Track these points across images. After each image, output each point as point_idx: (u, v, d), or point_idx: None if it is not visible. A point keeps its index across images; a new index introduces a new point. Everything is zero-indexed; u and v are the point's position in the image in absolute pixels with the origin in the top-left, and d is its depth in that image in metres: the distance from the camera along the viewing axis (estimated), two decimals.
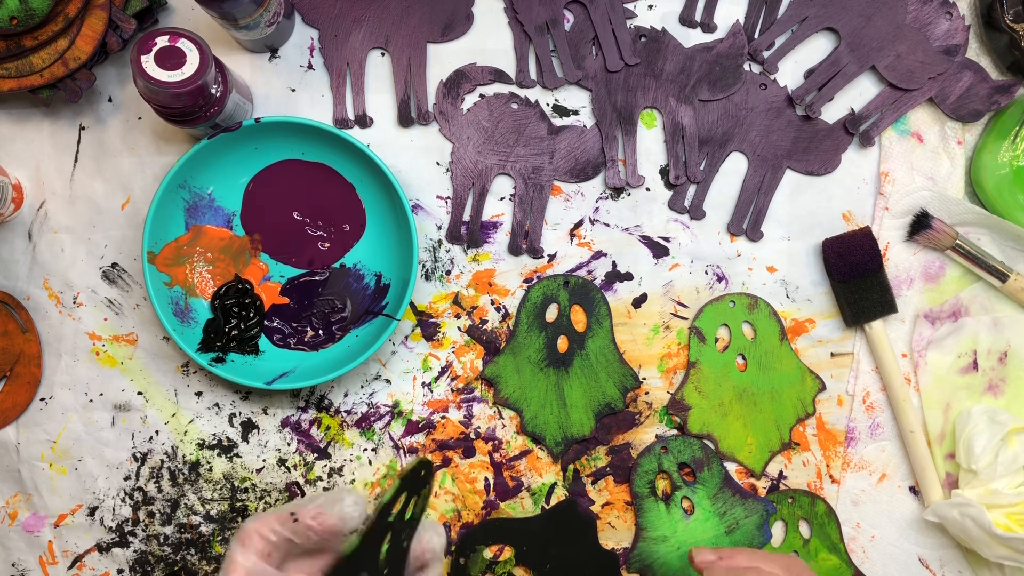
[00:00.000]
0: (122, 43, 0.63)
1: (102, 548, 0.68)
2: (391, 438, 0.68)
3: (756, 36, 0.69)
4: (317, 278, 0.67)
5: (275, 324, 0.67)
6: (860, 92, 0.69)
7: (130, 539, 0.68)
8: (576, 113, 0.69)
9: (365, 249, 0.67)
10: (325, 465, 0.68)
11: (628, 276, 0.69)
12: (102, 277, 0.68)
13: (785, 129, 0.69)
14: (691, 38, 0.69)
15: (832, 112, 0.69)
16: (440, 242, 0.68)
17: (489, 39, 0.68)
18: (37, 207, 0.67)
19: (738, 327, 0.68)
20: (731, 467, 0.69)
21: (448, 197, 0.68)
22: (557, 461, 0.68)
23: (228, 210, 0.67)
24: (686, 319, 0.69)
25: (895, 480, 0.69)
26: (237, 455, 0.68)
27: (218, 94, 0.60)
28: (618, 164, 0.68)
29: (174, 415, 0.68)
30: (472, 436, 0.68)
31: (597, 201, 0.69)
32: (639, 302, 0.69)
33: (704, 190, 0.69)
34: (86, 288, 0.67)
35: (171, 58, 0.55)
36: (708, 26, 0.69)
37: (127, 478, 0.68)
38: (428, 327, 0.68)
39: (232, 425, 0.68)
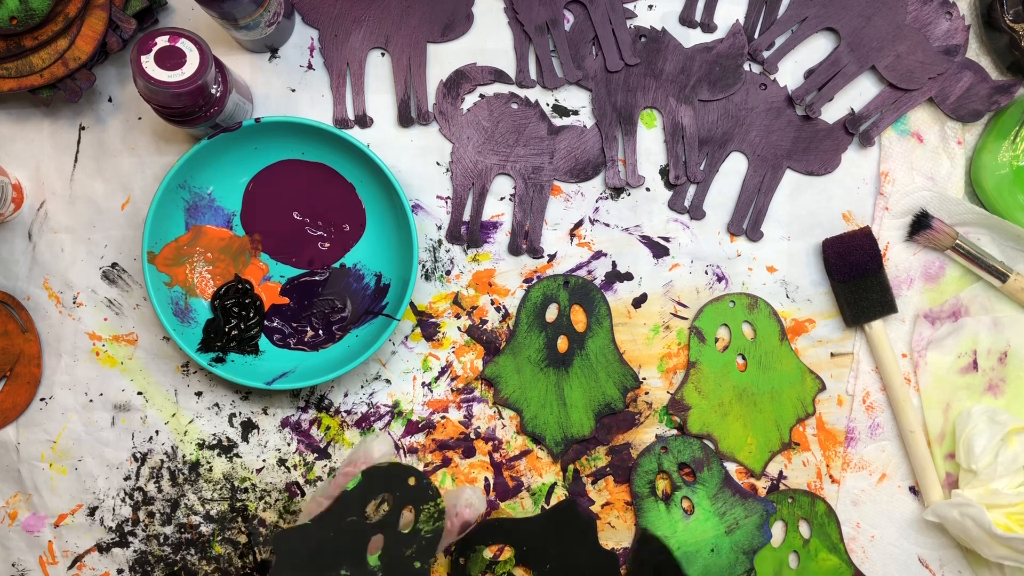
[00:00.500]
0: (122, 43, 0.63)
1: (102, 548, 0.68)
2: (391, 438, 0.68)
3: (756, 36, 0.69)
4: (317, 278, 0.67)
5: (275, 324, 0.67)
6: (860, 92, 0.69)
7: (130, 539, 0.68)
8: (576, 113, 0.69)
9: (365, 249, 0.67)
10: (325, 465, 0.68)
11: (628, 276, 0.69)
12: (102, 277, 0.68)
13: (785, 129, 0.69)
14: (691, 38, 0.69)
15: (832, 112, 0.69)
16: (440, 242, 0.68)
17: (489, 39, 0.68)
18: (37, 207, 0.67)
19: (738, 327, 0.68)
20: (731, 467, 0.69)
21: (448, 197, 0.68)
22: (557, 461, 0.68)
23: (228, 210, 0.67)
24: (686, 319, 0.69)
25: (895, 480, 0.69)
26: (237, 455, 0.68)
27: (218, 94, 0.60)
28: (618, 164, 0.68)
29: (174, 415, 0.68)
30: (472, 436, 0.68)
31: (597, 201, 0.69)
32: (639, 302, 0.69)
33: (704, 190, 0.69)
34: (86, 288, 0.67)
35: (171, 58, 0.55)
36: (708, 26, 0.69)
37: (127, 478, 0.68)
38: (428, 327, 0.68)
39: (232, 425, 0.68)
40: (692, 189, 0.69)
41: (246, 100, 0.65)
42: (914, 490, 0.69)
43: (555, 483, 0.68)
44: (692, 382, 0.68)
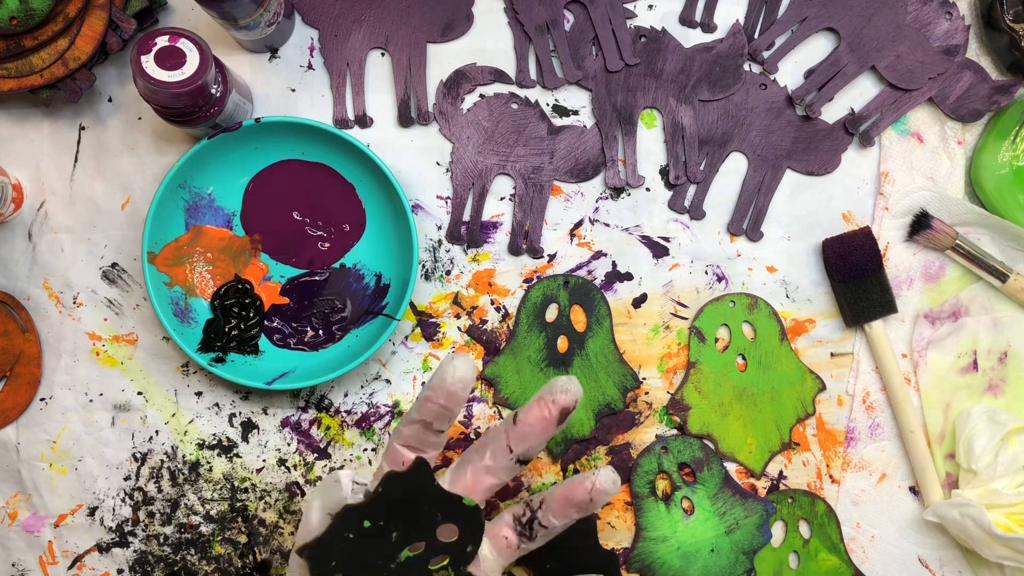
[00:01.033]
0: (122, 43, 0.63)
1: (102, 548, 0.68)
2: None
3: (756, 36, 0.69)
4: (317, 278, 0.68)
5: (275, 324, 0.67)
6: (860, 92, 0.69)
7: (130, 539, 0.68)
8: (576, 113, 0.69)
9: (365, 249, 0.67)
10: (325, 465, 0.68)
11: (628, 276, 0.69)
12: (102, 277, 0.68)
13: (785, 129, 0.69)
14: (691, 38, 0.69)
15: (832, 112, 0.69)
16: (440, 242, 0.68)
17: (489, 39, 0.68)
18: (37, 207, 0.67)
19: (738, 327, 0.68)
20: (731, 467, 0.69)
21: (448, 197, 0.68)
22: (557, 461, 0.68)
23: (228, 210, 0.67)
24: (686, 319, 0.69)
25: (895, 480, 0.69)
26: (237, 455, 0.68)
27: (218, 94, 0.60)
28: (618, 164, 0.68)
29: (174, 415, 0.68)
30: (472, 436, 0.68)
31: (597, 201, 0.69)
32: (639, 302, 0.69)
33: (704, 190, 0.69)
34: (86, 288, 0.67)
35: (171, 58, 0.55)
36: (708, 26, 0.69)
37: (127, 478, 0.68)
38: (428, 327, 0.68)
39: (232, 425, 0.68)
40: (692, 189, 0.69)
41: (246, 100, 0.65)
42: (914, 490, 0.69)
43: (555, 483, 0.68)
44: (692, 382, 0.68)
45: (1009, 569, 0.67)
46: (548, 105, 0.69)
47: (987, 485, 0.64)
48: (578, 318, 0.68)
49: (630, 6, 0.68)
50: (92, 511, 0.68)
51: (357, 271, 0.67)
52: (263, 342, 0.67)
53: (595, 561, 0.67)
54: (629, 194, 0.69)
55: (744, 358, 0.69)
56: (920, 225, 0.68)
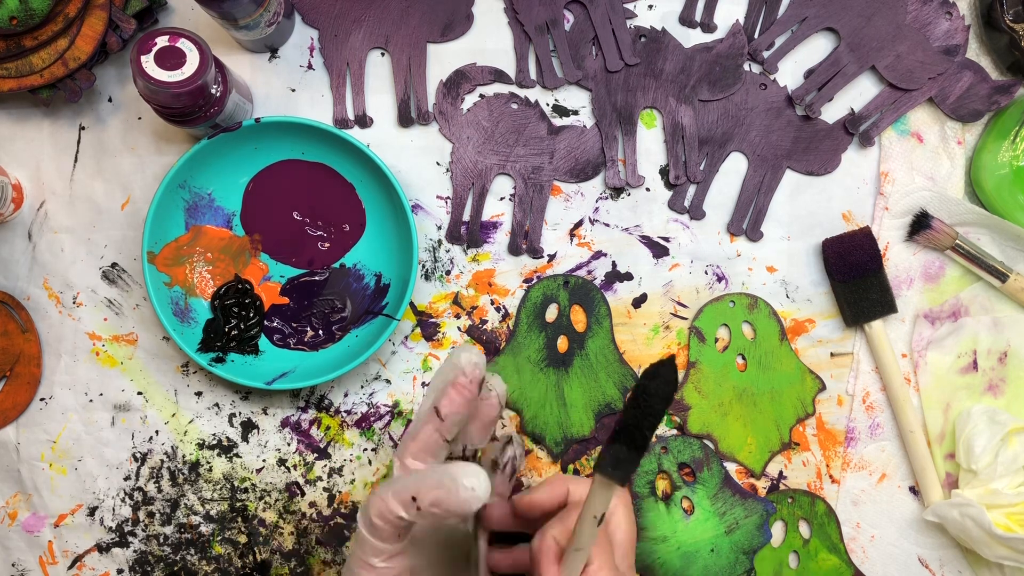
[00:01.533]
0: (122, 43, 0.63)
1: (102, 548, 0.68)
2: (391, 438, 0.68)
3: (756, 36, 0.69)
4: (317, 278, 0.68)
5: (275, 324, 0.67)
6: (860, 92, 0.69)
7: (130, 539, 0.68)
8: (576, 113, 0.69)
9: (365, 249, 0.67)
10: (325, 465, 0.68)
11: (628, 276, 0.69)
12: (102, 277, 0.68)
13: (785, 129, 0.69)
14: (691, 38, 0.69)
15: (832, 112, 0.69)
16: (440, 242, 0.68)
17: (489, 39, 0.68)
18: (37, 207, 0.67)
19: (738, 327, 0.68)
20: (731, 467, 0.69)
21: (448, 197, 0.68)
22: (557, 461, 0.68)
23: (228, 210, 0.67)
24: (686, 319, 0.69)
25: (895, 480, 0.69)
26: (237, 455, 0.68)
27: (218, 94, 0.60)
28: (618, 164, 0.68)
29: (174, 415, 0.68)
30: None
31: (597, 201, 0.69)
32: (639, 302, 0.69)
33: (704, 190, 0.69)
34: (86, 288, 0.67)
35: (171, 58, 0.55)
36: (708, 26, 0.69)
37: (127, 478, 0.68)
38: (428, 327, 0.68)
39: (232, 425, 0.68)
40: (692, 189, 0.69)
41: (246, 100, 0.65)
42: (914, 490, 0.69)
43: None
44: (692, 382, 0.68)
45: (1009, 569, 0.67)
46: (548, 105, 0.69)
47: (987, 485, 0.64)
48: (578, 318, 0.68)
49: (630, 6, 0.68)
50: (92, 511, 0.68)
51: (357, 271, 0.67)
52: (263, 342, 0.67)
53: None
54: (629, 194, 0.69)
55: (744, 358, 0.69)
56: (920, 225, 0.68)
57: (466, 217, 0.68)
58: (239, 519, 0.68)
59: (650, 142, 0.69)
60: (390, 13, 0.67)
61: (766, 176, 0.69)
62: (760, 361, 0.68)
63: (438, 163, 0.68)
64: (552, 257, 0.69)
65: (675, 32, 0.68)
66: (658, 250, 0.69)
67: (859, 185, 0.69)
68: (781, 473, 0.69)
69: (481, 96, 0.68)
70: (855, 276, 0.67)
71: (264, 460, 0.68)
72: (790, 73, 0.69)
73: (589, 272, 0.69)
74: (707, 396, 0.68)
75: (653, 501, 0.67)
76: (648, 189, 0.69)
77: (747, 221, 0.69)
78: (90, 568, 0.68)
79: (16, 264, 0.67)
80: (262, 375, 0.65)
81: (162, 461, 0.68)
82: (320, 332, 0.67)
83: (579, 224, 0.69)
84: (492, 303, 0.68)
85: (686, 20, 0.69)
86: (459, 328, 0.68)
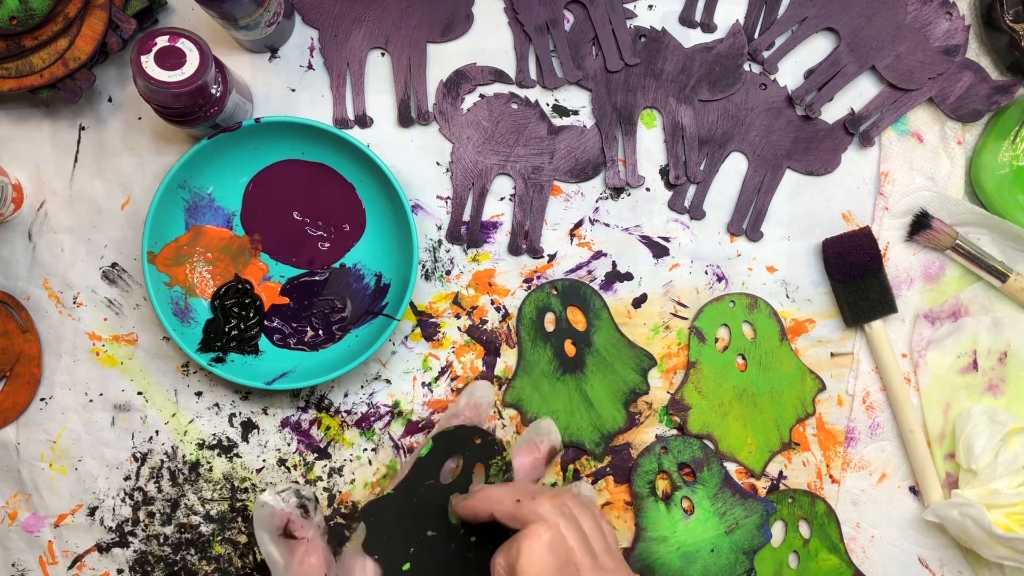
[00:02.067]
0: (122, 43, 0.63)
1: (102, 548, 0.68)
2: (391, 438, 0.68)
3: (756, 36, 0.69)
4: (317, 278, 0.67)
5: (275, 324, 0.67)
6: (860, 92, 0.69)
7: (130, 539, 0.68)
8: (576, 113, 0.69)
9: (365, 249, 0.67)
10: (325, 465, 0.68)
11: (628, 276, 0.69)
12: (102, 277, 0.68)
13: (785, 129, 0.69)
14: (691, 38, 0.69)
15: (832, 112, 0.69)
16: (440, 242, 0.68)
17: (489, 39, 0.68)
18: (37, 207, 0.67)
19: (738, 327, 0.68)
20: (731, 467, 0.69)
21: (448, 197, 0.68)
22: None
23: (228, 210, 0.67)
24: (686, 319, 0.69)
25: (895, 480, 0.69)
26: (237, 455, 0.68)
27: (218, 94, 0.60)
28: (618, 164, 0.68)
29: (174, 415, 0.68)
30: None
31: (597, 201, 0.69)
32: (639, 302, 0.69)
33: (704, 190, 0.69)
34: (86, 288, 0.67)
35: (171, 58, 0.55)
36: (708, 26, 0.69)
37: (127, 478, 0.68)
38: (428, 327, 0.68)
39: (232, 425, 0.68)
40: (692, 189, 0.69)
41: (246, 100, 0.65)
42: (914, 490, 0.69)
43: (555, 483, 0.68)
44: (692, 382, 0.68)
45: (1009, 569, 0.67)
46: (548, 105, 0.69)
47: (987, 485, 0.64)
48: (576, 318, 0.68)
49: (630, 6, 0.68)
50: (92, 511, 0.68)
51: (357, 271, 0.67)
52: (263, 342, 0.67)
53: None
54: (629, 194, 0.69)
55: (744, 358, 0.69)
56: (920, 225, 0.68)
57: (466, 217, 0.68)
58: (239, 519, 0.68)
59: (650, 142, 0.69)
60: (390, 13, 0.67)
61: (766, 176, 0.69)
62: (760, 361, 0.68)
63: (438, 163, 0.68)
64: (552, 257, 0.69)
65: (675, 32, 0.68)
66: (658, 250, 0.69)
67: (859, 185, 0.69)
68: (781, 473, 0.69)
69: (481, 96, 0.68)
70: (855, 276, 0.67)
71: (264, 460, 0.68)
72: (790, 73, 0.69)
73: (589, 272, 0.69)
74: (707, 396, 0.68)
75: (653, 501, 0.67)
76: (648, 189, 0.69)
77: (747, 221, 0.69)
78: (90, 568, 0.68)
79: (16, 264, 0.67)
80: (262, 375, 0.65)
81: (162, 461, 0.68)
82: (320, 332, 0.67)
83: (579, 224, 0.69)
84: (492, 303, 0.68)
85: (686, 20, 0.69)
86: (459, 328, 0.68)
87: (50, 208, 0.67)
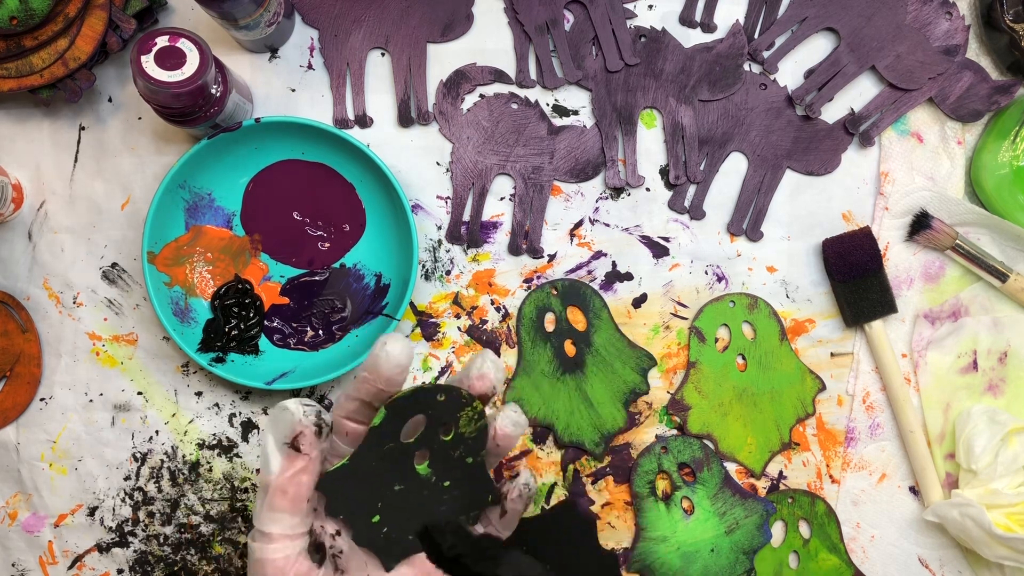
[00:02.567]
0: (122, 43, 0.63)
1: (102, 548, 0.68)
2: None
3: (756, 36, 0.69)
4: (317, 278, 0.68)
5: (275, 324, 0.67)
6: (860, 92, 0.69)
7: (130, 539, 0.68)
8: (576, 113, 0.69)
9: (365, 249, 0.67)
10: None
11: (628, 276, 0.69)
12: (102, 277, 0.68)
13: (785, 129, 0.69)
14: (691, 38, 0.69)
15: (832, 112, 0.69)
16: (440, 242, 0.68)
17: (489, 39, 0.68)
18: (37, 207, 0.67)
19: (738, 327, 0.68)
20: (731, 467, 0.69)
21: (448, 197, 0.68)
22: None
23: (228, 210, 0.67)
24: (686, 319, 0.69)
25: (895, 480, 0.69)
26: (237, 455, 0.68)
27: (218, 94, 0.60)
28: (618, 164, 0.68)
29: (174, 415, 0.68)
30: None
31: (597, 201, 0.69)
32: (639, 302, 0.69)
33: (704, 190, 0.69)
34: (86, 288, 0.67)
35: (171, 58, 0.55)
36: (708, 26, 0.69)
37: (127, 478, 0.68)
38: (428, 327, 0.68)
39: (232, 425, 0.68)
40: (692, 189, 0.69)
41: (246, 100, 0.65)
42: (914, 490, 0.69)
43: (555, 483, 0.68)
44: (692, 382, 0.68)
45: (1009, 569, 0.67)
46: (548, 105, 0.69)
47: (987, 485, 0.64)
48: (576, 318, 0.68)
49: (630, 6, 0.68)
50: (92, 511, 0.68)
51: (357, 271, 0.67)
52: (263, 342, 0.67)
53: (595, 561, 0.67)
54: (629, 194, 0.69)
55: (744, 358, 0.69)
56: (920, 225, 0.68)
57: (466, 217, 0.68)
58: (239, 519, 0.68)
59: (650, 142, 0.69)
60: (390, 13, 0.67)
61: (766, 176, 0.69)
62: (760, 361, 0.68)
63: (438, 163, 0.68)
64: (552, 257, 0.69)
65: (675, 32, 0.68)
66: (658, 250, 0.69)
67: (859, 185, 0.69)
68: (781, 473, 0.69)
69: (481, 96, 0.68)
70: (855, 276, 0.67)
71: None
72: (790, 73, 0.69)
73: (589, 272, 0.69)
74: (707, 396, 0.68)
75: (653, 501, 0.67)
76: (648, 189, 0.69)
77: (747, 221, 0.69)
78: (90, 568, 0.68)
79: (16, 264, 0.67)
80: (262, 375, 0.65)
81: (162, 461, 0.68)
82: (320, 332, 0.67)
83: (579, 224, 0.69)
84: (492, 303, 0.68)
85: (686, 20, 0.69)
86: (459, 328, 0.68)
87: (50, 208, 0.67)
